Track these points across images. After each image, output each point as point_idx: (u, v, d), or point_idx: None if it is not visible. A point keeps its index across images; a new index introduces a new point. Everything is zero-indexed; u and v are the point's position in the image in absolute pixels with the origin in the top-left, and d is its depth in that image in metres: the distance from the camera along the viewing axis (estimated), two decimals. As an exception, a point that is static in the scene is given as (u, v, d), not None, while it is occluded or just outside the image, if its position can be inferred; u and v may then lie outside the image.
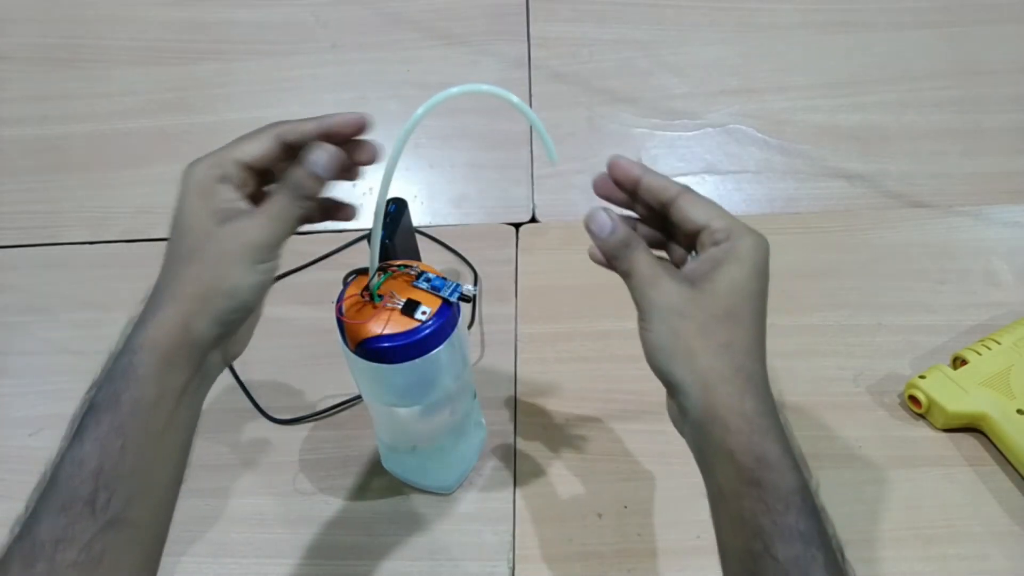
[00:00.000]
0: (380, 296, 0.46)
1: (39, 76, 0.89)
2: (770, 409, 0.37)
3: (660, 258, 0.41)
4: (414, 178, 0.81)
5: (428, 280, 0.47)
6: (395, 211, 0.62)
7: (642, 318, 0.40)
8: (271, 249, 0.39)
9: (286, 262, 0.73)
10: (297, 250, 0.75)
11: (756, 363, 0.38)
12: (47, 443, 0.63)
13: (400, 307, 0.46)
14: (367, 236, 0.60)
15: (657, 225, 0.43)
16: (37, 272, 0.76)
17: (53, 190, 0.82)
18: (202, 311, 0.38)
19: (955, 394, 0.59)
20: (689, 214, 0.40)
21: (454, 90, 0.39)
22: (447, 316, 0.46)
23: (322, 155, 0.40)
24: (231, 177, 0.40)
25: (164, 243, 0.77)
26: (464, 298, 0.47)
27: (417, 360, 0.45)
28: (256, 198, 0.41)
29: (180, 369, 0.38)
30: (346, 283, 0.48)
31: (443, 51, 0.87)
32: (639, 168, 0.42)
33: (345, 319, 0.45)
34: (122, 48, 0.90)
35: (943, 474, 0.58)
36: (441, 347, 0.46)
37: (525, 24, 0.89)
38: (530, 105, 0.85)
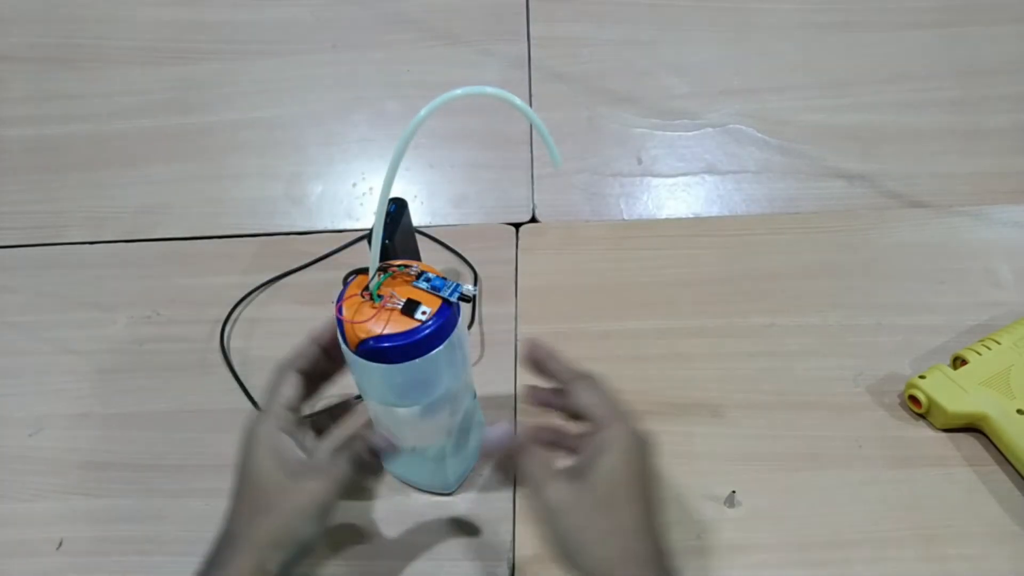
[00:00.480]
0: (380, 296, 0.46)
1: (39, 76, 0.89)
2: None
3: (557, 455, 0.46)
4: (414, 178, 0.81)
5: (428, 280, 0.47)
6: (395, 211, 0.62)
7: (538, 520, 0.43)
8: (334, 506, 0.46)
9: (286, 262, 0.74)
10: (297, 250, 0.75)
11: (644, 542, 0.41)
12: (47, 443, 0.64)
13: (400, 307, 0.46)
14: (367, 236, 0.61)
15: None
16: (37, 272, 0.76)
17: (53, 190, 0.82)
18: (275, 557, 0.43)
19: (955, 394, 0.59)
20: (576, 402, 0.46)
21: (458, 91, 0.40)
22: (447, 316, 0.46)
23: (381, 440, 0.48)
24: (288, 427, 0.47)
25: (164, 243, 0.77)
26: (464, 298, 0.47)
27: (417, 360, 0.45)
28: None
29: None
30: (346, 283, 0.48)
31: (443, 51, 0.88)
32: (544, 352, 0.48)
33: (345, 319, 0.45)
34: (122, 48, 0.90)
35: (943, 474, 0.58)
36: (441, 347, 0.46)
37: (525, 24, 0.89)
38: (530, 105, 0.85)
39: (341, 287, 0.48)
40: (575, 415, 0.47)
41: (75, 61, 0.89)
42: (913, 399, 0.61)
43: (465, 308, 0.70)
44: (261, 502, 0.45)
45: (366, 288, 0.46)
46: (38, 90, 0.88)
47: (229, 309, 0.71)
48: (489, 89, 0.39)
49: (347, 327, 0.45)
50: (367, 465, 0.47)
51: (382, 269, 0.47)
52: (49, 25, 0.91)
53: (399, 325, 0.45)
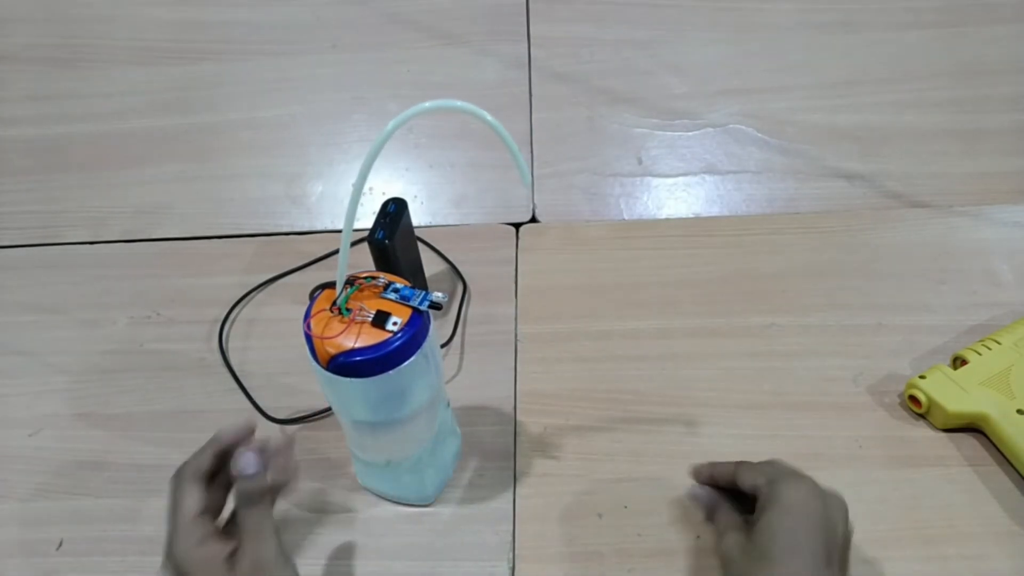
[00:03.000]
0: (348, 310, 0.45)
1: (39, 76, 0.89)
2: None
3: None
4: (414, 178, 0.81)
5: (396, 290, 0.46)
6: (395, 211, 0.62)
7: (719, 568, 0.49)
8: (280, 554, 0.44)
9: (286, 262, 0.74)
10: (297, 250, 0.75)
11: None
12: (47, 443, 0.64)
13: (370, 319, 0.45)
14: (366, 237, 0.61)
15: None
16: (37, 272, 0.76)
17: (53, 190, 0.82)
18: None
19: (955, 394, 0.59)
20: (744, 483, 0.50)
21: (427, 105, 0.39)
22: (419, 325, 0.45)
23: (240, 460, 0.45)
24: (203, 537, 0.44)
25: (164, 243, 0.77)
26: (434, 306, 0.46)
27: (391, 372, 0.45)
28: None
29: None
30: (312, 298, 0.47)
31: (443, 51, 0.88)
32: (708, 468, 0.54)
33: (314, 335, 0.44)
34: (122, 48, 0.90)
35: (943, 474, 0.58)
36: (414, 357, 0.45)
37: (525, 24, 0.89)
38: (530, 105, 0.85)
39: (308, 301, 0.47)
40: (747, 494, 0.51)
41: (75, 61, 0.89)
42: (913, 399, 0.61)
43: (451, 318, 0.70)
44: None
45: (334, 303, 0.46)
46: (38, 90, 0.88)
47: (228, 309, 0.71)
48: (459, 103, 0.39)
49: (317, 343, 0.44)
50: (253, 491, 0.44)
51: (349, 282, 0.47)
52: (49, 25, 0.91)
53: (370, 338, 0.44)
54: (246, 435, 0.47)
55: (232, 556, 0.43)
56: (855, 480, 0.58)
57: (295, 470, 0.47)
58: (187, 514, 0.44)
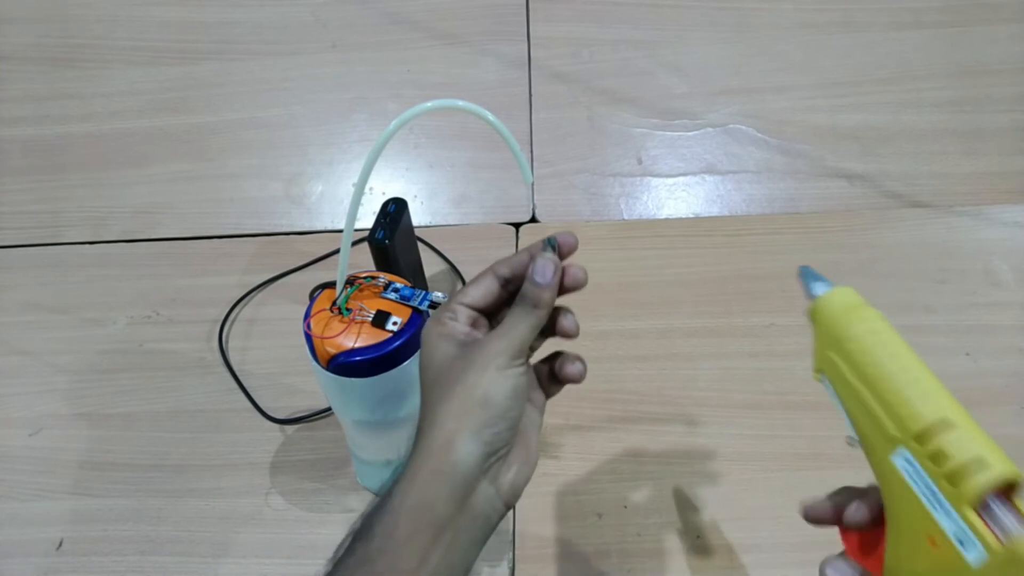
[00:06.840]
0: (348, 310, 0.45)
1: (39, 76, 0.89)
2: None
3: None
4: (414, 178, 0.81)
5: (396, 290, 0.46)
6: (395, 211, 0.62)
7: None
8: (513, 355, 0.39)
9: (286, 262, 0.74)
10: (297, 250, 0.75)
11: None
12: (47, 443, 0.64)
13: (370, 319, 0.45)
14: (366, 237, 0.61)
15: None
16: (37, 272, 0.76)
17: (53, 190, 0.82)
18: (460, 428, 0.37)
19: None
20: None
21: (428, 104, 0.39)
22: (418, 325, 0.45)
23: (542, 264, 0.42)
24: (460, 316, 0.41)
25: (164, 243, 0.77)
26: (434, 305, 0.46)
27: (392, 371, 0.45)
28: None
29: (440, 501, 0.36)
30: (312, 298, 0.47)
31: (443, 51, 0.88)
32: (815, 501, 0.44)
33: (314, 335, 0.44)
34: (122, 48, 0.90)
35: (943, 474, 0.58)
36: (414, 356, 0.45)
37: (525, 24, 0.89)
38: (530, 105, 0.85)
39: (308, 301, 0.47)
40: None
41: (75, 61, 0.89)
42: None
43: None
44: (434, 378, 0.39)
45: (334, 303, 0.46)
46: (38, 90, 0.88)
47: (228, 309, 0.71)
48: (461, 103, 0.39)
49: (317, 343, 0.44)
50: (534, 299, 0.41)
51: (349, 282, 0.47)
52: (49, 25, 0.91)
53: (370, 338, 0.44)
54: (570, 248, 0.45)
55: (468, 339, 0.40)
56: (855, 480, 0.58)
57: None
58: (462, 294, 0.41)
